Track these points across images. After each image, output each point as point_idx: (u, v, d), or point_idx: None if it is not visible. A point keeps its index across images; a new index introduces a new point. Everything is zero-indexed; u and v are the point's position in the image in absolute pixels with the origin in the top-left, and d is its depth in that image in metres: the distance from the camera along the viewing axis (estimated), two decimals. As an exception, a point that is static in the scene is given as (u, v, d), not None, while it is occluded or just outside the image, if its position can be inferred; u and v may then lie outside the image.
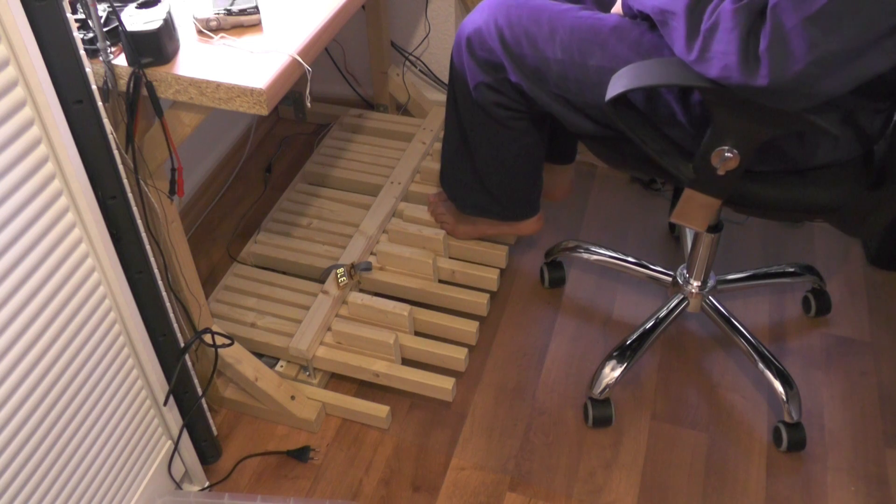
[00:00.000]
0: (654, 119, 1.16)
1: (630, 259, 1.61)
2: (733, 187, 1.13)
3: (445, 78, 2.08)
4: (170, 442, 1.24)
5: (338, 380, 1.51)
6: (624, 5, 1.21)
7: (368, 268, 1.58)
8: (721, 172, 1.09)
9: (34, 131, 0.87)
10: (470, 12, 1.43)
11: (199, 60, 1.02)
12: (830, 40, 0.87)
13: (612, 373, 1.42)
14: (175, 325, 1.18)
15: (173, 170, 1.11)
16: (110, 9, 1.01)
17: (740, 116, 1.03)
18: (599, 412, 1.42)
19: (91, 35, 1.00)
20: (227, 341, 1.29)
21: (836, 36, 0.87)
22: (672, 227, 1.81)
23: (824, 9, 0.86)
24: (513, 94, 1.31)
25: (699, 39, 0.97)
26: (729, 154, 1.07)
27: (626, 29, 1.18)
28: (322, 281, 1.56)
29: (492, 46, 1.28)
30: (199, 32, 1.07)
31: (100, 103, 0.94)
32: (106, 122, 0.96)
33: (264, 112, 0.99)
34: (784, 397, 1.37)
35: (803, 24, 0.87)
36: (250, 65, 1.01)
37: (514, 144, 1.40)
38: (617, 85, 1.07)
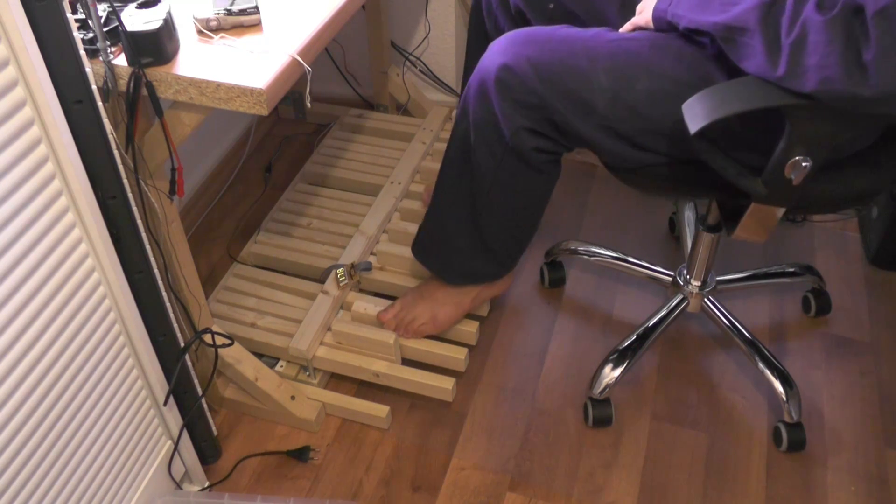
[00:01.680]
0: (718, 141, 1.11)
1: (630, 259, 1.61)
2: (805, 193, 1.09)
3: (445, 78, 2.08)
4: (170, 442, 1.24)
5: (338, 380, 1.51)
6: (659, 22, 1.14)
7: (368, 268, 1.58)
8: (797, 182, 1.05)
9: (34, 131, 0.87)
10: (470, 13, 1.43)
11: (199, 60, 1.02)
12: None
13: (612, 373, 1.42)
14: (175, 326, 1.18)
15: (173, 170, 1.11)
16: (110, 9, 1.01)
17: (822, 124, 1.00)
18: (599, 412, 1.42)
19: (91, 35, 1.00)
20: (227, 341, 1.29)
21: None
22: (672, 227, 1.81)
23: None
24: (555, 134, 1.20)
25: (784, 54, 0.93)
26: (805, 163, 1.02)
27: (663, 45, 1.13)
28: (322, 281, 1.56)
29: (529, 85, 1.15)
30: (199, 32, 1.07)
31: (100, 103, 0.94)
32: (106, 122, 0.96)
33: (264, 112, 0.99)
34: (784, 397, 1.37)
35: None
36: (250, 65, 1.01)
37: (541, 189, 1.30)
38: (698, 115, 1.00)
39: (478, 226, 1.33)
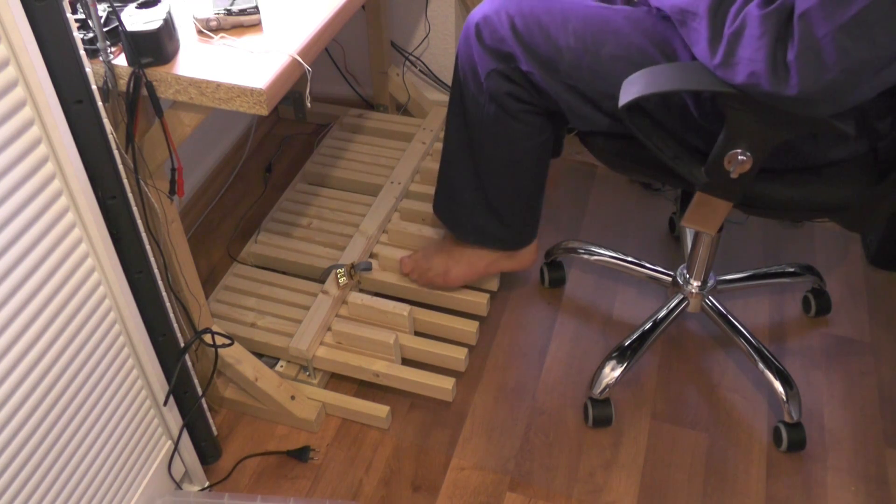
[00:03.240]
0: (666, 121, 1.14)
1: (630, 259, 1.61)
2: (746, 189, 1.11)
3: (445, 78, 2.08)
4: (170, 442, 1.24)
5: (338, 380, 1.51)
6: None
7: (368, 268, 1.58)
8: (734, 176, 1.07)
9: (34, 131, 0.87)
10: (470, 12, 1.43)
11: (199, 60, 1.02)
12: (862, 49, 0.86)
13: (612, 373, 1.42)
14: (175, 325, 1.18)
15: (173, 170, 1.11)
16: (110, 9, 1.01)
17: (757, 120, 1.01)
18: (599, 412, 1.42)
19: (91, 35, 1.00)
20: (227, 341, 1.29)
21: (867, 44, 0.86)
22: (672, 227, 1.81)
23: (856, 17, 0.84)
24: (525, 84, 1.27)
25: (723, 43, 0.95)
26: (742, 157, 1.05)
27: (639, 17, 1.16)
28: (322, 281, 1.56)
29: (502, 35, 1.24)
30: (199, 32, 1.07)
31: (100, 103, 0.94)
32: (106, 122, 0.96)
33: (264, 112, 0.99)
34: (784, 397, 1.37)
35: (835, 33, 0.86)
36: (250, 65, 1.01)
37: (526, 143, 1.35)
38: (631, 90, 1.04)
39: (479, 180, 1.40)
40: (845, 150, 1.11)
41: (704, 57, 0.99)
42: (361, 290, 1.59)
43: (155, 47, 0.99)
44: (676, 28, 1.11)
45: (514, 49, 1.24)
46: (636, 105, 1.06)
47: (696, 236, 1.43)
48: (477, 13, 1.29)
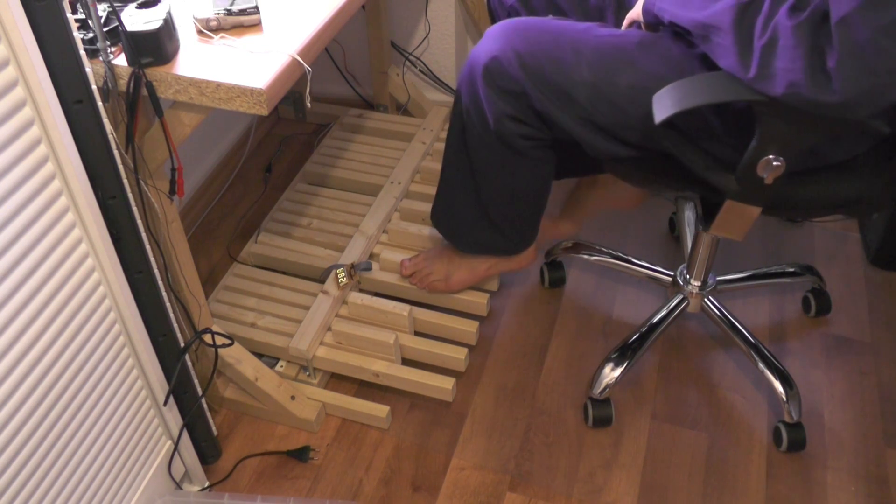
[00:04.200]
0: (691, 134, 1.13)
1: (630, 259, 1.61)
2: (778, 193, 1.09)
3: (445, 78, 2.08)
4: (170, 442, 1.24)
5: (338, 380, 1.51)
6: (647, 15, 1.16)
7: (368, 268, 1.58)
8: (769, 181, 1.06)
9: (34, 131, 0.87)
10: (470, 13, 1.43)
11: (199, 60, 1.02)
12: None
13: (612, 373, 1.42)
14: (175, 325, 1.18)
15: (173, 170, 1.11)
16: (110, 9, 1.01)
17: (792, 126, 1.00)
18: (599, 412, 1.42)
19: (91, 35, 1.00)
20: (227, 341, 1.29)
21: None
22: (672, 227, 1.81)
23: None
24: (537, 122, 1.23)
25: (755, 56, 0.95)
26: (777, 162, 1.03)
27: (651, 43, 1.14)
28: (322, 281, 1.56)
29: (513, 74, 1.19)
30: (199, 32, 1.07)
31: (100, 103, 0.94)
32: (106, 122, 0.96)
33: (264, 112, 0.99)
34: (784, 397, 1.37)
35: (876, 36, 0.85)
36: (250, 65, 1.01)
37: (531, 173, 1.33)
38: (665, 106, 1.01)
39: (481, 201, 1.38)
40: (863, 145, 1.11)
41: (735, 70, 0.98)
42: (361, 290, 1.59)
43: (155, 47, 0.99)
44: (690, 46, 1.10)
45: (526, 87, 1.19)
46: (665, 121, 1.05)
47: (696, 236, 1.43)
48: (481, 54, 1.22)
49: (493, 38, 1.22)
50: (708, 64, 1.08)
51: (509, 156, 1.29)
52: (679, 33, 1.13)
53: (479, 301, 1.56)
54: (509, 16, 1.42)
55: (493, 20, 1.48)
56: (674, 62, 1.12)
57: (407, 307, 1.49)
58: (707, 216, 1.23)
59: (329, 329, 1.49)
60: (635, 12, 1.20)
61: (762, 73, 0.95)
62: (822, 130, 1.02)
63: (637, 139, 1.17)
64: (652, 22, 1.16)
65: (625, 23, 1.23)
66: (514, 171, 1.32)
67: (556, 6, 1.36)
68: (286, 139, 2.13)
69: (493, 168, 1.32)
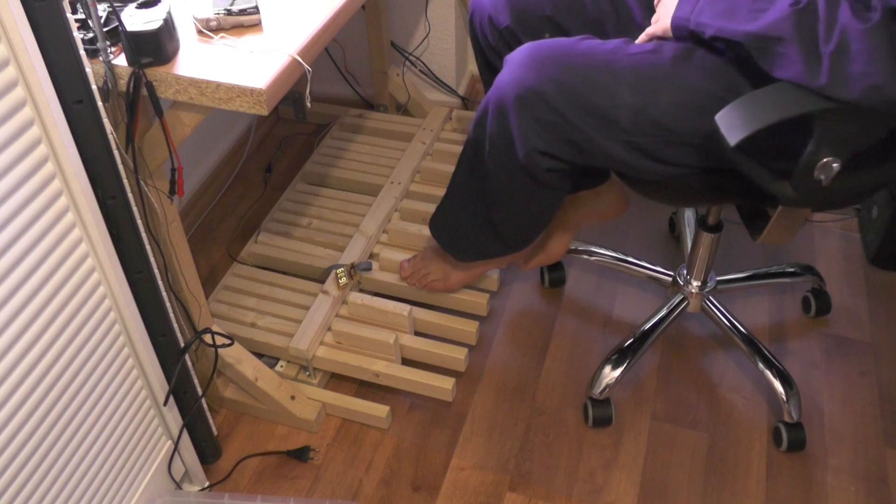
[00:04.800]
0: (744, 147, 1.08)
1: (630, 259, 1.61)
2: (833, 190, 1.08)
3: (445, 78, 2.08)
4: (170, 442, 1.24)
5: (338, 380, 1.51)
6: (679, 31, 1.11)
7: (369, 268, 1.58)
8: (827, 183, 1.04)
9: (34, 131, 0.87)
10: (469, 13, 1.42)
11: (199, 60, 1.02)
12: None
13: (612, 373, 1.42)
14: (175, 325, 1.18)
15: (173, 170, 1.11)
16: (110, 9, 1.01)
17: (854, 126, 1.00)
18: (599, 412, 1.42)
19: (91, 35, 1.00)
20: (227, 341, 1.29)
21: None
22: (672, 227, 1.81)
23: None
24: (569, 153, 1.17)
25: (825, 63, 0.93)
26: (835, 164, 1.02)
27: (685, 56, 1.11)
28: (322, 281, 1.56)
29: (551, 103, 1.12)
30: (199, 32, 1.07)
31: (100, 103, 0.94)
32: (106, 122, 0.96)
33: (264, 112, 0.99)
34: (784, 397, 1.37)
35: None
36: (250, 65, 1.01)
37: (549, 199, 1.30)
38: (736, 126, 0.98)
39: (489, 219, 1.35)
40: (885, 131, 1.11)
41: (803, 79, 0.96)
42: (361, 290, 1.59)
43: (155, 47, 0.99)
44: (721, 54, 1.08)
45: (566, 115, 1.13)
46: (713, 137, 1.02)
47: (696, 236, 1.43)
48: (511, 83, 1.15)
49: (523, 67, 1.14)
50: (743, 70, 1.07)
51: (531, 185, 1.25)
52: (706, 43, 1.10)
53: (479, 301, 1.56)
54: (503, 38, 1.37)
55: (479, 46, 1.44)
56: (713, 73, 1.09)
57: (407, 307, 1.49)
58: (752, 227, 1.21)
59: (329, 329, 1.49)
60: (659, 29, 1.15)
61: (835, 80, 0.93)
62: (882, 126, 1.01)
63: (682, 157, 1.14)
64: (685, 37, 1.12)
65: (642, 38, 1.18)
66: (533, 199, 1.29)
67: (555, 23, 1.33)
68: (286, 139, 2.13)
69: (510, 194, 1.28)
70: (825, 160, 1.02)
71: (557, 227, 1.49)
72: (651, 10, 1.26)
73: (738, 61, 1.08)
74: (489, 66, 1.46)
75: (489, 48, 1.42)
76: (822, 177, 1.04)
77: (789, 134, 1.05)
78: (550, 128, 1.15)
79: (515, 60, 1.16)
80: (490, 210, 1.33)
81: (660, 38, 1.16)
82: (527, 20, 1.34)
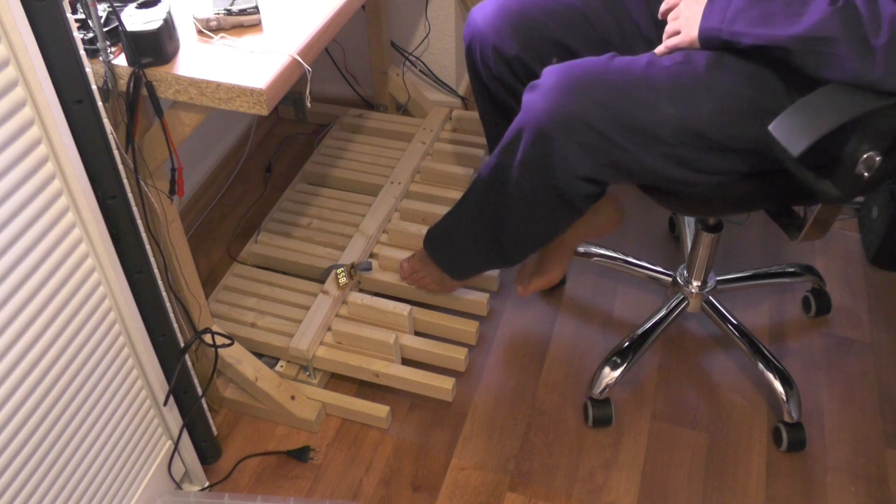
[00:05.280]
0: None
1: (630, 259, 1.61)
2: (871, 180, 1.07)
3: (445, 78, 2.08)
4: (170, 442, 1.24)
5: (338, 380, 1.51)
6: (709, 42, 1.09)
7: (369, 268, 1.58)
8: (868, 176, 1.03)
9: (34, 131, 0.87)
10: (471, 10, 1.41)
11: (199, 60, 1.02)
12: None
13: (612, 373, 1.42)
14: (175, 326, 1.18)
15: (173, 170, 1.11)
16: (110, 9, 1.01)
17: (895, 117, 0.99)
18: (599, 412, 1.42)
19: (91, 35, 1.00)
20: (227, 341, 1.29)
21: None
22: (672, 226, 1.81)
23: None
24: (612, 176, 1.17)
25: (878, 56, 0.93)
26: (878, 157, 1.01)
27: (719, 62, 1.09)
28: (322, 281, 1.56)
29: (596, 126, 1.10)
30: (199, 32, 1.07)
31: (100, 103, 0.94)
32: (106, 122, 0.96)
33: (264, 112, 0.99)
34: (784, 397, 1.37)
35: None
36: (250, 65, 1.01)
37: (569, 222, 1.28)
38: (796, 134, 0.97)
39: (498, 242, 1.33)
40: None
41: (857, 76, 0.96)
42: (361, 290, 1.59)
43: (155, 47, 0.99)
44: (749, 57, 1.07)
45: (612, 136, 1.11)
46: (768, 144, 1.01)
47: (696, 236, 1.43)
48: (547, 111, 1.11)
49: (561, 91, 1.11)
50: (772, 71, 1.06)
51: (560, 210, 1.23)
52: (728, 47, 1.08)
53: (479, 301, 1.56)
54: (509, 67, 1.34)
55: (476, 75, 1.40)
56: (746, 77, 1.08)
57: (407, 307, 1.49)
58: (786, 227, 1.20)
59: (329, 329, 1.49)
60: (685, 40, 1.13)
61: (891, 71, 0.94)
62: None
63: (721, 165, 1.13)
64: (714, 47, 1.10)
65: (662, 50, 1.15)
66: (555, 221, 1.27)
67: (562, 45, 1.31)
68: (286, 139, 2.13)
69: (533, 218, 1.26)
70: (867, 154, 1.01)
71: (556, 249, 1.47)
72: (655, 23, 1.25)
73: (766, 62, 1.07)
74: (487, 94, 1.42)
75: (491, 78, 1.38)
76: (865, 172, 1.02)
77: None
78: (593, 151, 1.12)
79: (549, 85, 1.12)
80: (501, 234, 1.31)
81: (683, 49, 1.14)
82: (533, 46, 1.31)
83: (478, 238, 1.35)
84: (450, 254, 1.45)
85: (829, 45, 0.97)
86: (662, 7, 1.20)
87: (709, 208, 1.24)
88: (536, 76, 1.18)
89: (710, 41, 1.10)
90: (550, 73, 1.13)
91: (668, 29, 1.16)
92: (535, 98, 1.14)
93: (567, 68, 1.13)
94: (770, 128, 0.99)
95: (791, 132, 0.98)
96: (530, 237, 1.32)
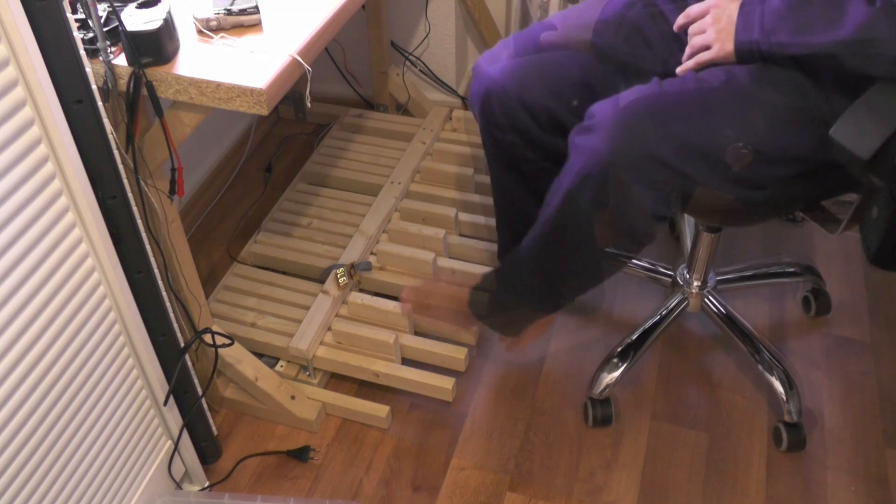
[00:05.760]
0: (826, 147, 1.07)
1: (630, 259, 1.61)
2: None
3: (445, 78, 2.08)
4: (170, 442, 1.24)
5: (338, 380, 1.51)
6: (747, 55, 1.07)
7: (368, 268, 1.58)
8: None
9: (34, 131, 0.87)
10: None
11: (199, 60, 1.02)
12: None
13: (612, 373, 1.42)
14: (175, 325, 1.18)
15: (173, 170, 1.11)
16: (110, 9, 1.01)
17: None
18: (599, 412, 1.42)
19: (91, 35, 1.00)
20: (227, 341, 1.29)
21: None
22: (672, 226, 1.81)
23: None
24: (680, 206, 1.16)
25: None
26: None
27: (757, 76, 1.07)
28: (322, 281, 1.56)
29: (666, 160, 1.06)
30: (199, 32, 1.07)
31: (100, 103, 0.94)
32: (106, 122, 0.96)
33: (264, 112, 0.99)
34: (784, 397, 1.37)
35: None
36: (250, 65, 1.01)
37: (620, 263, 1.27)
38: (866, 138, 0.96)
39: (556, 294, 1.30)
40: None
41: None
42: (361, 290, 1.59)
43: (155, 47, 0.99)
44: (782, 63, 1.06)
45: (678, 166, 1.07)
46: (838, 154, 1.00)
47: (696, 236, 1.43)
48: (613, 153, 1.06)
49: (624, 129, 1.07)
50: (803, 73, 1.05)
51: (630, 247, 1.22)
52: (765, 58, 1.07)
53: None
54: (532, 117, 1.27)
55: (496, 130, 1.32)
56: (786, 84, 1.07)
57: (407, 307, 1.49)
58: (825, 222, 1.21)
59: (329, 329, 1.49)
60: (718, 54, 1.09)
61: None
62: None
63: (772, 177, 1.11)
64: (752, 59, 1.08)
65: (691, 65, 1.12)
66: (611, 264, 1.25)
67: (588, 85, 1.25)
68: (286, 139, 2.13)
69: (595, 261, 1.23)
70: None
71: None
72: (672, 38, 1.21)
73: (800, 69, 1.06)
74: (494, 140, 1.34)
75: (512, 128, 1.30)
76: None
77: None
78: (663, 185, 1.10)
79: (608, 124, 1.07)
80: (562, 286, 1.28)
81: (716, 63, 1.11)
82: (563, 92, 1.26)
83: (533, 293, 1.30)
84: (507, 316, 1.39)
85: (877, 46, 0.96)
86: (680, 20, 1.16)
87: (754, 217, 1.24)
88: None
89: (747, 54, 1.07)
90: (603, 111, 1.08)
91: (695, 43, 1.12)
92: (594, 140, 1.08)
93: (624, 104, 1.08)
94: (832, 133, 0.98)
95: (856, 135, 0.97)
96: (588, 283, 1.29)
